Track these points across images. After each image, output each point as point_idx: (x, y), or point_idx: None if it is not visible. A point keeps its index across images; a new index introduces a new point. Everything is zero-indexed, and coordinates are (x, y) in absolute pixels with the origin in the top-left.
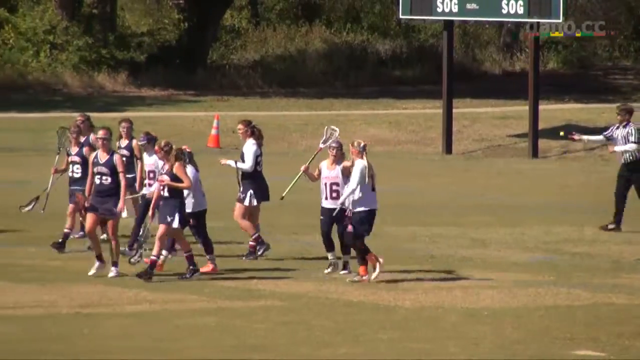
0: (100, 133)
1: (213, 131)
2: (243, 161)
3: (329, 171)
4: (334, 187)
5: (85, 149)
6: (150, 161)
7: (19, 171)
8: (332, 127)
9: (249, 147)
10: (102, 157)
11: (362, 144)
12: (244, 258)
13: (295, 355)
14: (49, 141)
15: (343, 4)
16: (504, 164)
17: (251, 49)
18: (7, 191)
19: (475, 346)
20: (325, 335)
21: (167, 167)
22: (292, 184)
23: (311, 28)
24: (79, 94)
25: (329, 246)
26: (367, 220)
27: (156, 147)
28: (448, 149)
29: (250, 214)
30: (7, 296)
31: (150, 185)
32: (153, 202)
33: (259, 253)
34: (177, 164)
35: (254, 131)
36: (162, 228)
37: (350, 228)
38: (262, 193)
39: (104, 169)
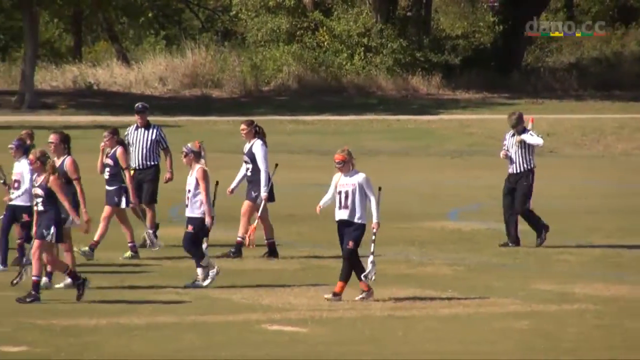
0: (50, 137)
1: None
2: (251, 161)
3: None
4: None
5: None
6: (17, 169)
7: (328, 174)
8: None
9: (259, 148)
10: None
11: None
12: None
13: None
14: (364, 144)
15: None
16: None
17: (566, 51)
18: (317, 193)
19: None
20: None
21: (40, 178)
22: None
23: (627, 31)
24: (393, 96)
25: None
26: None
27: (30, 156)
28: None
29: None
30: (319, 299)
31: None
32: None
33: (230, 252)
34: (52, 177)
35: (257, 130)
36: (37, 243)
37: (351, 244)
38: (271, 194)
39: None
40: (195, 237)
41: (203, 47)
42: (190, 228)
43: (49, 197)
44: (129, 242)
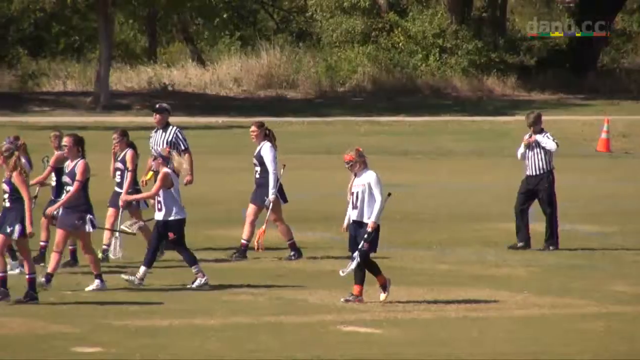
0: (64, 140)
1: (603, 135)
2: (260, 164)
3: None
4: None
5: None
6: None
7: (408, 175)
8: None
9: (268, 150)
10: (68, 165)
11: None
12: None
13: None
14: (439, 145)
15: None
16: None
17: None
18: (397, 195)
19: None
20: None
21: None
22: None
23: None
24: (468, 97)
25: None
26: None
27: None
28: None
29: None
30: (393, 300)
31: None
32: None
33: (233, 257)
34: (15, 172)
35: (267, 133)
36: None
37: (366, 246)
38: (282, 195)
39: (67, 179)
40: (164, 238)
41: (278, 48)
42: (171, 235)
43: (14, 193)
44: (104, 244)
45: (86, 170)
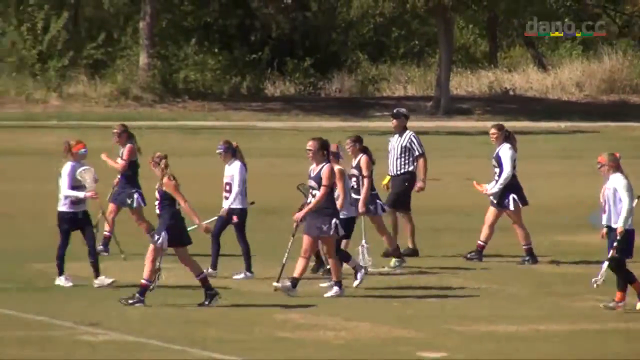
0: (308, 144)
1: None
2: (498, 165)
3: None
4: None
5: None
6: (228, 172)
7: None
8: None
9: (506, 151)
10: (314, 169)
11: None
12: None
13: None
14: None
15: None
16: None
17: None
18: None
19: None
20: None
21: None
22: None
23: None
24: None
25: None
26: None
27: (149, 159)
28: None
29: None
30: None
31: (226, 198)
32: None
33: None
34: (166, 179)
35: (507, 135)
36: (150, 248)
37: (611, 253)
38: (522, 197)
39: (312, 183)
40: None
41: (620, 52)
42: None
43: (164, 200)
44: (393, 248)
45: (332, 174)
